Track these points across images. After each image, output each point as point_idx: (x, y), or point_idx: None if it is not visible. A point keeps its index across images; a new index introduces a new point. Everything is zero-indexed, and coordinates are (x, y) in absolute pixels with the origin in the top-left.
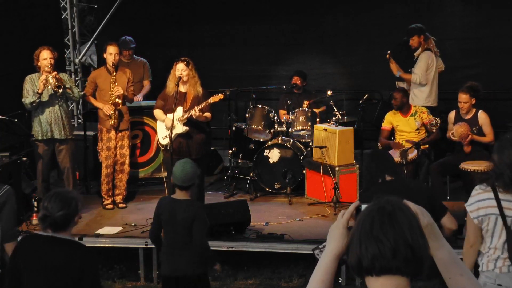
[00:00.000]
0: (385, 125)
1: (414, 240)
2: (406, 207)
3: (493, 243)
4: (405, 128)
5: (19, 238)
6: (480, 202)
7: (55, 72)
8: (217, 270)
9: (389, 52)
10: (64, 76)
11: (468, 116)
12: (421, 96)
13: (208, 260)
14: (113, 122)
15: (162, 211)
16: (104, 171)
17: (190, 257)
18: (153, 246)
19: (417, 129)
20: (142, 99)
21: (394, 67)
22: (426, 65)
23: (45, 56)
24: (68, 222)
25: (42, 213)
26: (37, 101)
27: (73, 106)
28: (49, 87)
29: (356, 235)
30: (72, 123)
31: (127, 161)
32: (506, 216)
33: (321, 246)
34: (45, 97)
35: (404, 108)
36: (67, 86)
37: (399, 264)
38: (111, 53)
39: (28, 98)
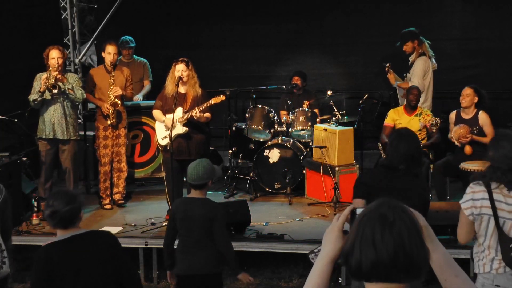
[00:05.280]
0: (388, 121)
1: (413, 251)
2: (407, 216)
3: (486, 242)
4: (406, 127)
5: (39, 250)
6: (475, 201)
7: (57, 72)
8: (240, 280)
9: (388, 64)
10: (72, 76)
11: (469, 116)
12: None
13: (232, 263)
14: (111, 121)
15: (177, 210)
16: (101, 169)
17: (206, 256)
18: (153, 246)
19: (419, 130)
20: (142, 98)
21: (392, 77)
22: (423, 72)
23: (53, 56)
24: (75, 217)
25: (50, 211)
26: (39, 99)
27: (77, 107)
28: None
29: (356, 241)
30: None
31: (123, 159)
32: (499, 217)
33: (316, 250)
34: (49, 97)
35: (414, 106)
36: (68, 87)
37: (398, 272)
38: (110, 52)
39: (32, 95)
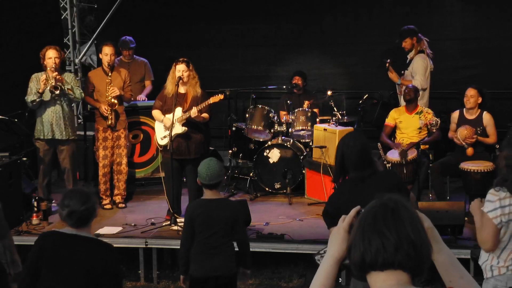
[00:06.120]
0: (389, 121)
1: (416, 237)
2: (409, 205)
3: (509, 245)
4: (407, 125)
5: (39, 235)
6: (504, 208)
7: (56, 73)
8: (244, 274)
9: (389, 60)
10: (69, 76)
11: (473, 117)
12: None
13: (249, 260)
14: (110, 122)
15: (197, 213)
16: (101, 170)
17: (226, 257)
18: (153, 246)
19: (420, 128)
20: (146, 98)
21: (394, 76)
22: (424, 69)
23: (50, 55)
24: (91, 217)
25: (67, 211)
26: (38, 100)
27: (73, 107)
28: (48, 87)
29: (358, 231)
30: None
31: (124, 161)
32: None
33: (321, 252)
34: (47, 97)
35: (412, 103)
36: (68, 87)
37: (401, 259)
38: (107, 53)
39: (30, 96)
